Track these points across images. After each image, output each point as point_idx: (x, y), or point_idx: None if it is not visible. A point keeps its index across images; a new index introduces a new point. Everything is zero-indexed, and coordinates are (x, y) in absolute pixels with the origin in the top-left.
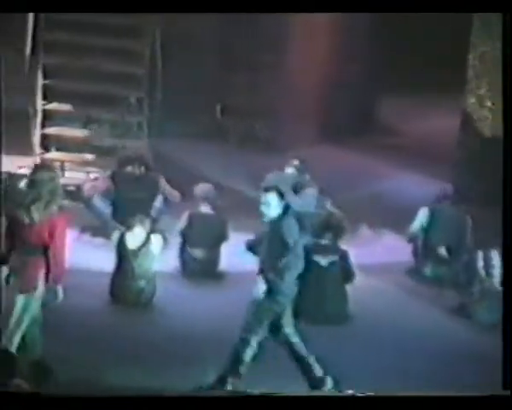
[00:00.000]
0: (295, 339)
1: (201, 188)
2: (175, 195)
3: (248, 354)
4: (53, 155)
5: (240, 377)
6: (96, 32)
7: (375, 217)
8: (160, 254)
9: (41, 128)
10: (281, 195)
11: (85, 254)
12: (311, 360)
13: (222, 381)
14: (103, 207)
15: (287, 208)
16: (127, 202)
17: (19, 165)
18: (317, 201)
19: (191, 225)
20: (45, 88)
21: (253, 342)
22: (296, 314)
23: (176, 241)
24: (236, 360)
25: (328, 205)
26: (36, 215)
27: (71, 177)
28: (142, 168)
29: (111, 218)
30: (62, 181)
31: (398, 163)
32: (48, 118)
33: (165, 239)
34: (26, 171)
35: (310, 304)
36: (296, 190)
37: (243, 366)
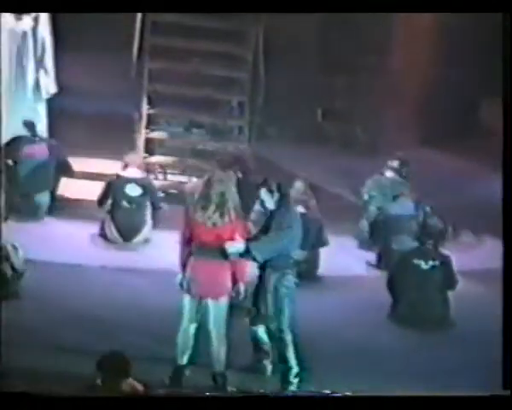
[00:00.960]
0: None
1: (296, 188)
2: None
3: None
4: (156, 158)
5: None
6: (200, 36)
7: (478, 221)
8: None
9: (145, 132)
10: (270, 190)
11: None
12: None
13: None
14: None
15: (281, 201)
16: None
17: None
18: (416, 206)
19: None
20: (150, 92)
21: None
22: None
23: None
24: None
25: (428, 210)
26: (218, 219)
27: (173, 180)
28: (241, 171)
29: None
30: (164, 185)
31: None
32: (152, 122)
33: None
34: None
35: (411, 308)
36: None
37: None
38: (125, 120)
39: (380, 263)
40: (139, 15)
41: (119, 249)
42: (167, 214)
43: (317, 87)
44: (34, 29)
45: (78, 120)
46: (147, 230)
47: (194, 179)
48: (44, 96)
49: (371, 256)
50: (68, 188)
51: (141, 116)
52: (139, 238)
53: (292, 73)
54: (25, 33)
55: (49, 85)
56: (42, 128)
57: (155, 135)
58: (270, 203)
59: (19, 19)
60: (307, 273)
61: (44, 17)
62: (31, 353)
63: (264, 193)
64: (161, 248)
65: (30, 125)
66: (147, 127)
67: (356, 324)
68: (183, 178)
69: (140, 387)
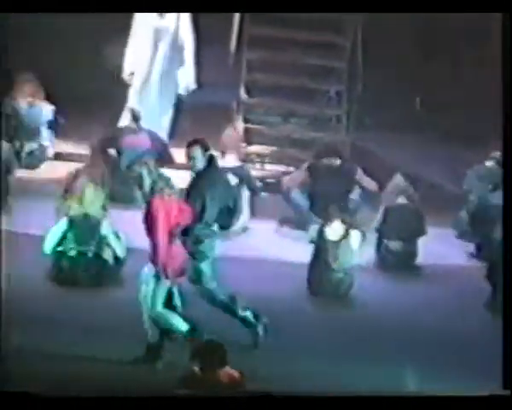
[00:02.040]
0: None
1: (396, 182)
2: (373, 185)
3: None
4: (255, 148)
5: None
6: (298, 25)
7: None
8: (358, 249)
9: (243, 122)
10: (204, 148)
11: (284, 246)
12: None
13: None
14: (301, 199)
15: (211, 161)
16: (324, 195)
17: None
18: None
19: (387, 219)
20: (248, 82)
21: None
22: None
23: (372, 235)
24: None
25: None
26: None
27: (271, 170)
28: (338, 161)
29: (308, 210)
30: (262, 174)
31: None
32: (250, 112)
33: (363, 235)
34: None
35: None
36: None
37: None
38: (223, 110)
39: (479, 253)
40: None
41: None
42: (265, 203)
43: (415, 75)
44: (176, 27)
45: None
46: (244, 218)
47: (292, 169)
48: (184, 92)
49: (471, 247)
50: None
51: (239, 106)
52: (237, 227)
53: (390, 61)
54: (167, 30)
55: (190, 82)
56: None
57: (253, 125)
58: (201, 162)
59: (162, 17)
60: (406, 263)
61: (185, 15)
62: (133, 339)
63: (196, 150)
64: (258, 236)
65: (136, 116)
66: (245, 117)
67: (454, 313)
68: (280, 168)
69: (237, 374)
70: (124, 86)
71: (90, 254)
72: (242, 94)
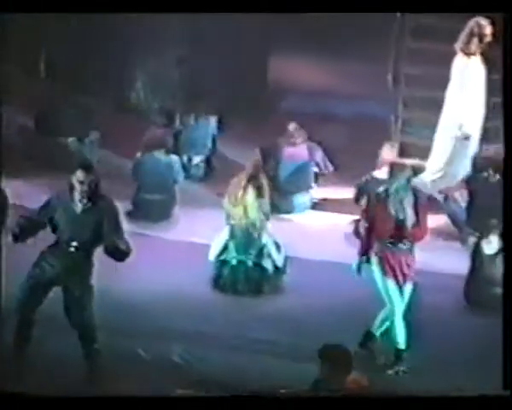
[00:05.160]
0: None
1: None
2: None
3: None
4: (411, 162)
5: None
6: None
7: None
8: None
9: (401, 136)
10: None
11: (441, 257)
12: None
13: None
14: (459, 212)
15: None
16: (480, 208)
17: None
18: None
19: None
20: (406, 97)
21: None
22: None
23: None
24: None
25: None
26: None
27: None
28: (497, 175)
29: (465, 223)
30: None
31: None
32: (408, 125)
33: None
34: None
35: None
36: None
37: None
38: (381, 124)
39: None
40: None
41: None
42: None
43: None
44: None
45: (335, 122)
46: None
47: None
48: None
49: None
50: (324, 188)
51: (397, 120)
52: None
53: None
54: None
55: None
56: None
57: (411, 139)
58: None
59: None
60: None
61: None
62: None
63: None
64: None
65: None
66: (402, 131)
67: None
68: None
69: (364, 380)
70: None
71: (250, 263)
72: (400, 108)
